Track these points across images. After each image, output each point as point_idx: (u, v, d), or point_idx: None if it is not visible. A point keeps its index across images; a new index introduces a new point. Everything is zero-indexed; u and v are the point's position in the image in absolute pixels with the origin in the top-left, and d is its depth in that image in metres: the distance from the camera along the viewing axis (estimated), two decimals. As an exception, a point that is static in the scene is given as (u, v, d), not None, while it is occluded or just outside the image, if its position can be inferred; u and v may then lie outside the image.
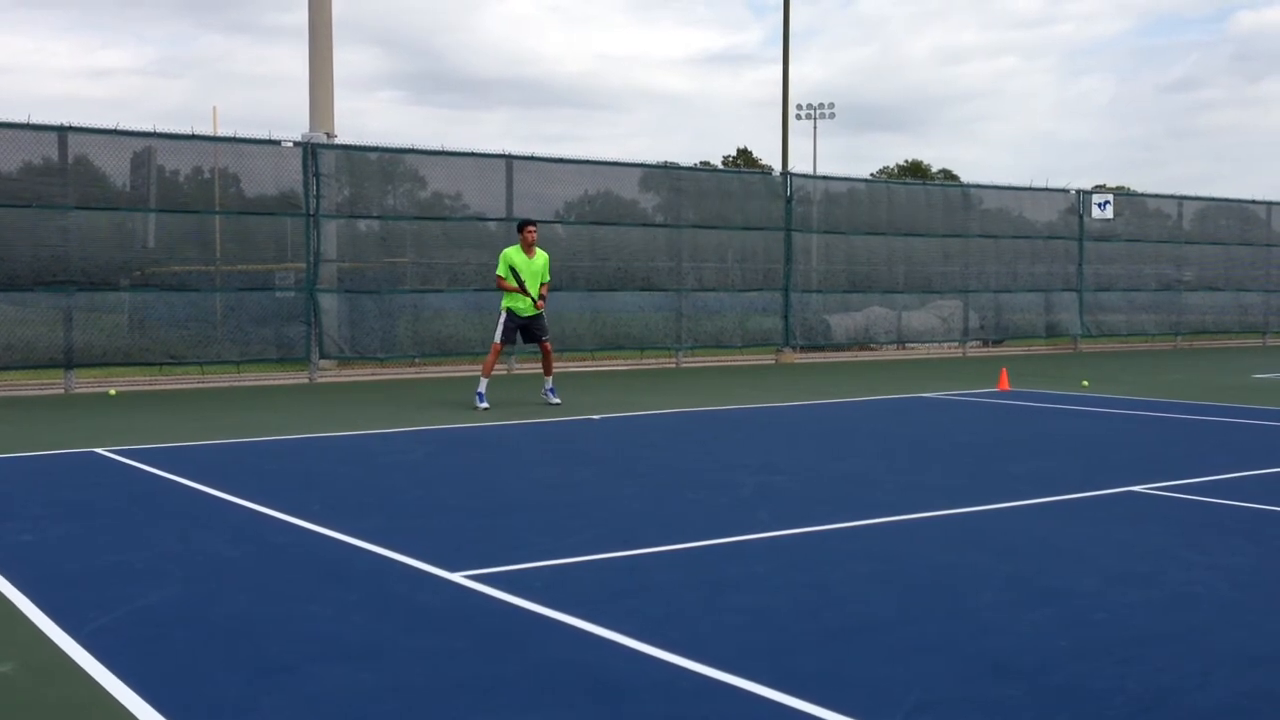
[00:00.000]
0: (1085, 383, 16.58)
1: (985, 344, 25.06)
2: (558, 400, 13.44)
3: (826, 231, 22.45)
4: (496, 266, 13.39)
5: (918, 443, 10.60)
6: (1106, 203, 25.81)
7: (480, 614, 5.00)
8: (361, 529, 6.62)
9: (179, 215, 16.81)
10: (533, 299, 13.16)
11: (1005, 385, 15.75)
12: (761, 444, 10.55)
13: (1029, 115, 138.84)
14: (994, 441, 10.83)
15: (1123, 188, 35.25)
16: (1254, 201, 28.67)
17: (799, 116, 66.42)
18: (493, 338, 13.49)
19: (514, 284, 13.10)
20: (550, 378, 13.71)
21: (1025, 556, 6.06)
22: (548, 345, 13.50)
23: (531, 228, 13.24)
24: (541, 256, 13.31)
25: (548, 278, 13.45)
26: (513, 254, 13.17)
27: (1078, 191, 25.84)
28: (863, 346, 23.14)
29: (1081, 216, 25.53)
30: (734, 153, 77.81)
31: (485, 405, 13.00)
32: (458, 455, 9.85)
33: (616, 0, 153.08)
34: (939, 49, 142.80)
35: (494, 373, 13.89)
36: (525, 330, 13.36)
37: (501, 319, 13.34)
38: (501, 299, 13.41)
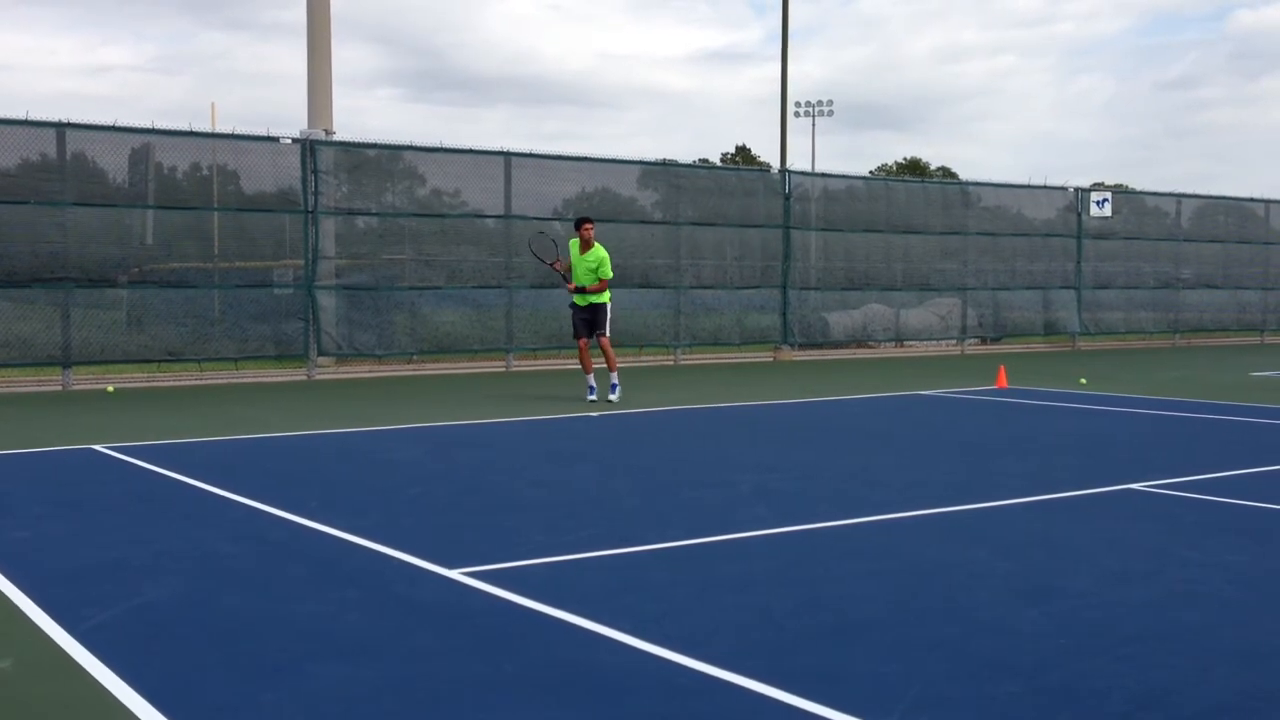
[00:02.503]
0: (1083, 380, 16.59)
1: (983, 342, 25.06)
2: (614, 397, 13.59)
3: (825, 229, 22.45)
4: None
5: (915, 441, 10.61)
6: (1105, 200, 25.82)
7: (478, 611, 5.00)
8: (359, 526, 6.63)
9: (177, 212, 16.82)
10: (576, 288, 13.67)
11: (1003, 383, 15.76)
12: (759, 442, 10.55)
13: (1028, 114, 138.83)
14: (992, 439, 10.83)
15: (1121, 186, 35.22)
16: (1252, 200, 28.67)
17: (798, 114, 66.49)
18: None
19: (562, 271, 13.95)
20: (615, 373, 13.81)
21: (1023, 554, 6.07)
22: (602, 341, 13.73)
23: (588, 225, 13.75)
24: (594, 253, 13.60)
25: (607, 274, 13.63)
26: (571, 245, 13.85)
27: (1076, 189, 25.85)
28: (861, 344, 23.14)
29: (1080, 214, 25.54)
30: (733, 150, 77.85)
31: (593, 398, 13.67)
32: (455, 453, 9.85)
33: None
34: (938, 48, 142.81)
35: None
36: (587, 324, 13.74)
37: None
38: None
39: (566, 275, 13.86)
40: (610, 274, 13.73)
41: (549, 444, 10.39)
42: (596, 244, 13.67)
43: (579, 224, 13.78)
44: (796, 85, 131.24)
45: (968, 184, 24.96)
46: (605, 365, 13.81)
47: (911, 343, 23.94)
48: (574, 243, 13.77)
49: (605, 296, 13.70)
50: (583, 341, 13.74)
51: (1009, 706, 3.90)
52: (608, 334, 13.77)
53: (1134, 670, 4.25)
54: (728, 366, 20.09)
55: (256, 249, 17.31)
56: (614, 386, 13.69)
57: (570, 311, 13.94)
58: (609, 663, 4.33)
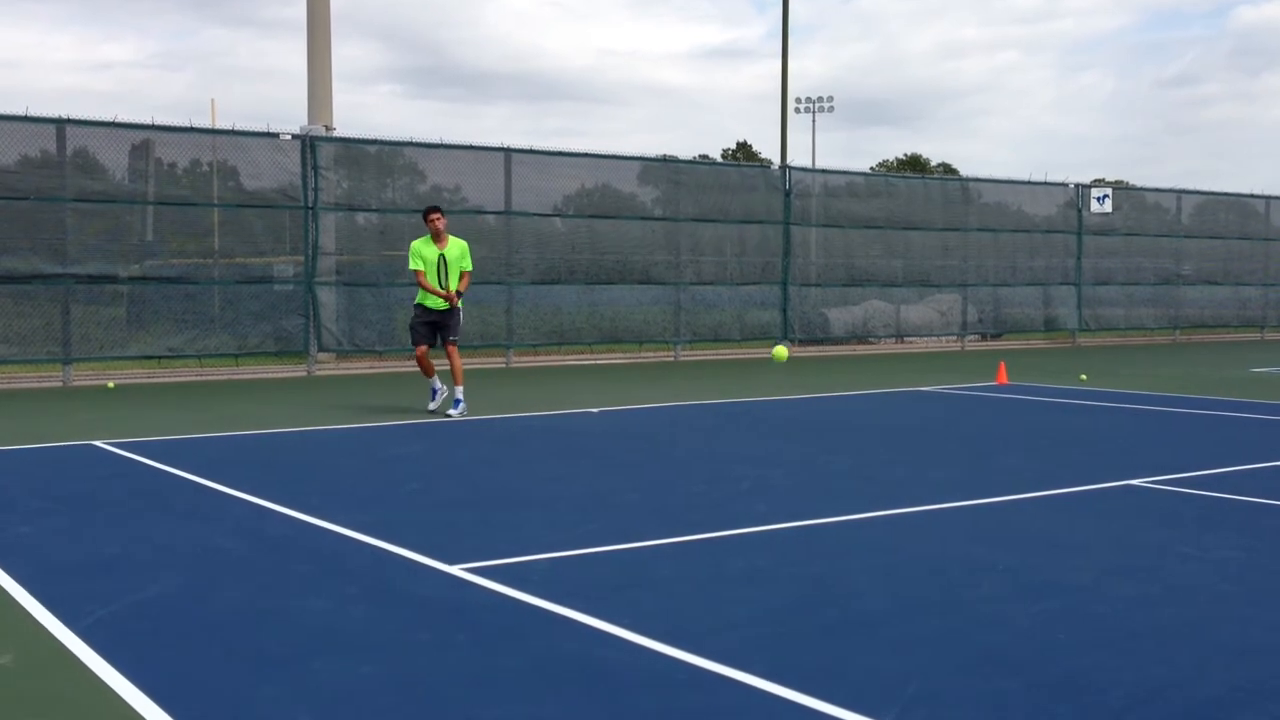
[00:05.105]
0: (1083, 377, 16.59)
1: (983, 338, 25.07)
2: (455, 413, 11.73)
3: (825, 225, 22.46)
4: (410, 262, 11.91)
5: (916, 436, 10.61)
6: (1105, 197, 25.82)
7: (479, 607, 5.01)
8: (360, 522, 6.63)
9: (177, 208, 16.83)
10: (442, 294, 11.75)
11: (1003, 379, 15.76)
12: (760, 437, 10.55)
13: (1028, 110, 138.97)
14: (992, 435, 10.84)
15: (1121, 182, 35.21)
16: (1252, 196, 28.67)
17: (798, 110, 66.47)
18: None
19: (430, 280, 11.75)
20: (460, 386, 11.93)
21: (1023, 550, 6.07)
22: (451, 348, 11.86)
23: (434, 215, 11.74)
24: (456, 245, 11.88)
25: (468, 266, 11.98)
26: (419, 245, 11.80)
27: (1076, 186, 25.85)
28: (861, 340, 23.15)
29: (1080, 211, 25.53)
30: (734, 146, 77.81)
31: (434, 406, 11.97)
32: (456, 448, 9.85)
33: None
34: (939, 44, 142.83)
35: (465, 367, 12.93)
36: (434, 328, 11.92)
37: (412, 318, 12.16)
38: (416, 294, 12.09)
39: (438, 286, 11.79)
40: (471, 266, 12.16)
41: (550, 440, 10.39)
42: (452, 236, 11.98)
43: (428, 214, 11.74)
44: (797, 82, 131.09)
45: (968, 180, 24.96)
46: (453, 375, 11.92)
47: (912, 339, 23.94)
48: (424, 241, 11.78)
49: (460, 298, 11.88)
50: (423, 349, 11.87)
51: (1009, 701, 3.91)
52: (458, 340, 11.99)
53: (1133, 665, 4.26)
54: (728, 363, 20.09)
55: (257, 245, 17.32)
56: (458, 402, 11.80)
57: (414, 314, 12.03)
58: (610, 658, 4.34)
